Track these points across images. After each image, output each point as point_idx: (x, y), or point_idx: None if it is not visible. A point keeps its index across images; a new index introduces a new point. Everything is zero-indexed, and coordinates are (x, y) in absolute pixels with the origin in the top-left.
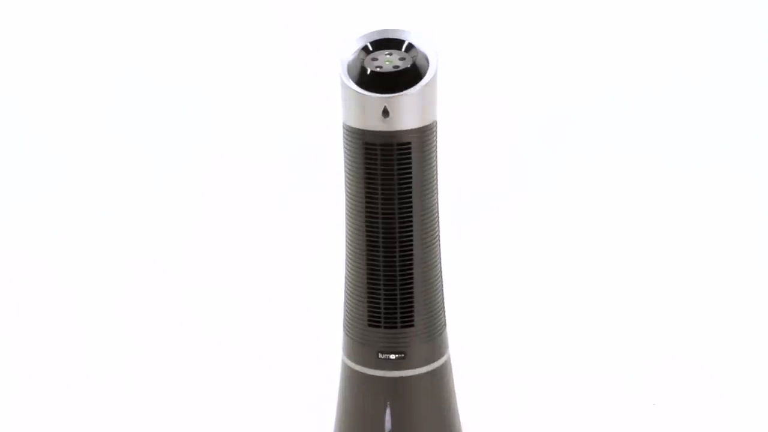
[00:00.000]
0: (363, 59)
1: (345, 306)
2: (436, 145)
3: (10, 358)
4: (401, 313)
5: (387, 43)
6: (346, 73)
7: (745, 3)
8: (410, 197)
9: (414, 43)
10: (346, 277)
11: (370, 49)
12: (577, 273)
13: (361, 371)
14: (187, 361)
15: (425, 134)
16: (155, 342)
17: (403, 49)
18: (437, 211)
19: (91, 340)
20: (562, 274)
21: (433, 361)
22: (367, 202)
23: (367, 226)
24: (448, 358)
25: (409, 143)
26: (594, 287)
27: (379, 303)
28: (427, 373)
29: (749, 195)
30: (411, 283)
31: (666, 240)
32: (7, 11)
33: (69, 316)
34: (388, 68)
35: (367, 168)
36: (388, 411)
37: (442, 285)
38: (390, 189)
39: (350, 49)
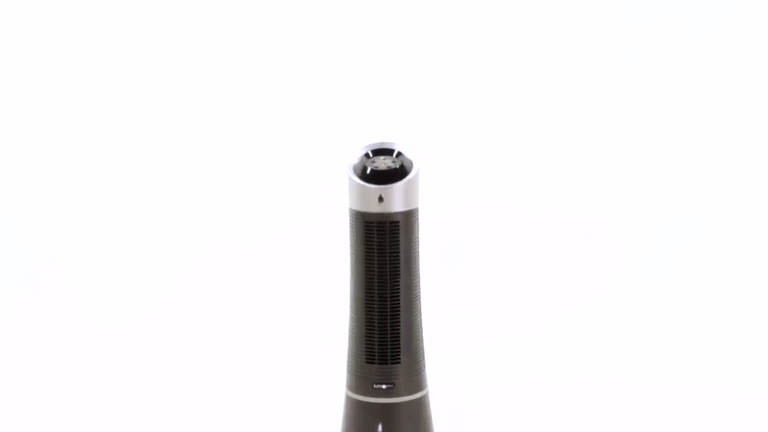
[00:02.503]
0: (365, 162)
1: (348, 349)
2: (418, 224)
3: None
4: (391, 352)
5: (382, 151)
6: (352, 171)
7: None
8: (398, 263)
9: (402, 151)
10: (349, 326)
11: (370, 155)
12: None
13: (360, 399)
14: (213, 402)
15: (410, 216)
16: (172, 368)
17: (394, 155)
18: (418, 275)
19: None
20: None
21: (415, 393)
22: (366, 267)
23: (366, 285)
24: (427, 392)
25: (398, 222)
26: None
27: (373, 344)
28: (411, 401)
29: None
30: (398, 329)
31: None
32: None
33: (82, 324)
34: (383, 167)
35: (366, 241)
36: (380, 430)
37: (422, 332)
38: (383, 257)
39: (356, 155)
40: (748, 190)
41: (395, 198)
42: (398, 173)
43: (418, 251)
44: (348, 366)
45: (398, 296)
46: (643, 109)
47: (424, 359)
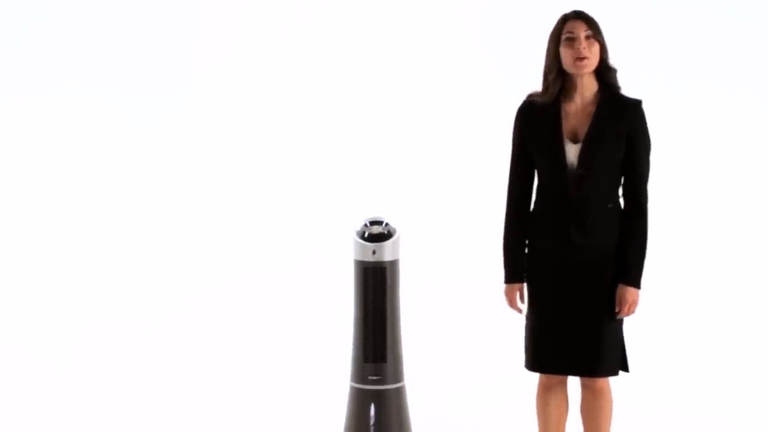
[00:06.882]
0: (365, 229)
1: (351, 353)
2: (399, 269)
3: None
4: (380, 354)
5: (376, 222)
6: (356, 234)
7: None
8: (385, 296)
9: (389, 223)
10: (352, 338)
11: (368, 225)
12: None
13: (359, 387)
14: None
15: (394, 264)
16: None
17: (383, 225)
18: (399, 303)
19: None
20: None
21: (396, 383)
22: (363, 298)
23: (363, 310)
24: (404, 384)
25: (386, 267)
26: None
27: (369, 349)
28: (393, 388)
29: None
30: (386, 339)
31: None
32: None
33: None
34: (376, 232)
35: (364, 280)
36: (372, 408)
37: (401, 342)
38: (375, 291)
39: (359, 224)
40: None
41: (384, 252)
42: (386, 236)
43: (399, 287)
44: (351, 365)
45: (385, 317)
46: None
47: (402, 363)
